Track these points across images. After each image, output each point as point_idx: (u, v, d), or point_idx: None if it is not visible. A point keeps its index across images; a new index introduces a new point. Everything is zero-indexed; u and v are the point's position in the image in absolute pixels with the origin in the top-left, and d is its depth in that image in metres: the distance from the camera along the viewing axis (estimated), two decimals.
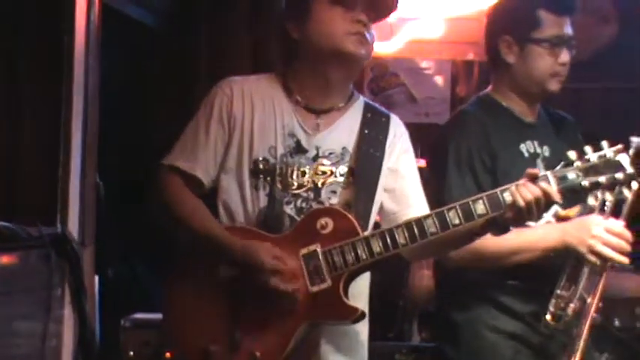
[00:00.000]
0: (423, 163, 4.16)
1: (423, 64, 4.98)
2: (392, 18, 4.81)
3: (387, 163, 2.17)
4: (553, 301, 2.30)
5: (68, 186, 2.74)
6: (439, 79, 4.97)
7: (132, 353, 3.07)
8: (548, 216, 2.35)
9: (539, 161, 2.44)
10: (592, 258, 2.29)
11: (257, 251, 1.99)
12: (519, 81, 2.44)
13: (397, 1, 2.18)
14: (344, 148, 2.14)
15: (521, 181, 1.98)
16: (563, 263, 2.39)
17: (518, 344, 2.42)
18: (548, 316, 2.31)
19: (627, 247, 2.28)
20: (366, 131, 2.15)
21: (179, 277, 2.14)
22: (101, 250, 2.90)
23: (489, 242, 2.25)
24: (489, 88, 2.52)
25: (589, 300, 2.30)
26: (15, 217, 2.55)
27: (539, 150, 2.45)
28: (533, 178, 1.96)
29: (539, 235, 2.33)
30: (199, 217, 2.10)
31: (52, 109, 2.79)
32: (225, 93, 2.16)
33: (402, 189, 2.19)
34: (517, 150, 2.42)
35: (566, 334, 2.37)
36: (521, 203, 1.94)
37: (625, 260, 2.30)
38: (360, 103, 2.21)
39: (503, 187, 1.98)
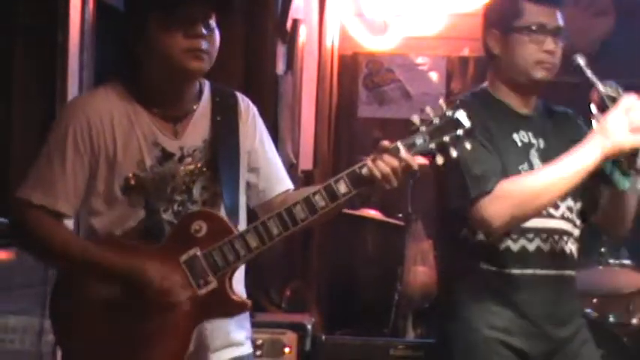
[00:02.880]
0: (419, 159, 4.22)
1: (418, 60, 5.03)
2: (387, 14, 4.97)
3: (245, 147, 2.21)
4: None
5: None
6: (434, 75, 5.01)
7: None
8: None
9: (533, 151, 2.47)
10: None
11: (144, 272, 2.03)
12: (506, 71, 2.48)
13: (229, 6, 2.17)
14: (205, 141, 2.16)
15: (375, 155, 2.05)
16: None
17: (510, 338, 2.42)
18: None
19: None
20: (218, 118, 2.18)
21: (67, 308, 2.12)
22: None
23: (524, 184, 2.30)
24: (485, 83, 2.57)
25: None
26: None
27: (533, 141, 2.48)
28: (384, 150, 2.04)
29: (577, 155, 2.30)
30: (75, 248, 2.10)
31: (46, 106, 2.81)
32: (80, 119, 2.10)
33: (267, 167, 2.25)
34: (510, 139, 2.45)
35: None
36: (379, 176, 2.01)
37: None
38: (207, 89, 2.22)
39: (360, 164, 2.06)
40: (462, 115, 2.05)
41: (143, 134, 2.11)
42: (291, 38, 4.32)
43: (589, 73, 2.36)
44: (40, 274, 2.63)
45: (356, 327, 4.14)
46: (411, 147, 2.03)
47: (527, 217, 2.35)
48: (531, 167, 2.44)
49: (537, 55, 2.43)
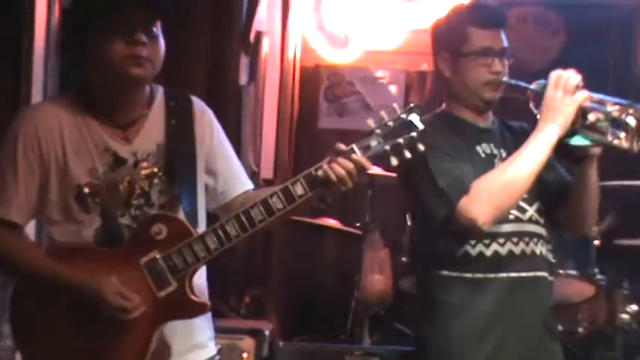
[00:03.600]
0: (377, 169, 4.24)
1: (378, 74, 5.07)
2: (348, 28, 5.01)
3: (202, 149, 2.21)
4: None
5: None
6: (393, 88, 5.06)
7: None
8: None
9: (496, 161, 2.51)
10: (578, 97, 2.34)
11: (103, 293, 2.02)
12: (458, 92, 2.53)
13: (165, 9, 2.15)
14: (158, 145, 2.16)
15: (331, 158, 2.06)
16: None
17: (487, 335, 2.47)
18: None
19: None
20: (173, 122, 2.18)
21: (27, 313, 2.12)
22: None
23: (495, 178, 2.35)
24: (443, 105, 2.61)
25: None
26: None
27: (495, 151, 2.53)
28: (340, 153, 2.05)
29: (537, 138, 2.38)
30: (29, 257, 2.11)
31: (11, 109, 2.71)
32: (28, 129, 2.10)
33: (225, 169, 2.25)
34: (474, 151, 2.51)
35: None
36: (334, 178, 2.03)
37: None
38: (160, 94, 2.21)
39: (316, 166, 2.07)
40: (415, 118, 2.06)
41: (93, 142, 2.10)
42: (254, 50, 4.34)
43: (514, 82, 2.46)
44: None
45: (313, 333, 4.16)
46: (365, 149, 2.04)
47: (508, 206, 2.39)
48: None
49: (486, 77, 2.46)
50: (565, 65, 2.58)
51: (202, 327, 2.22)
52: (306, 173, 2.06)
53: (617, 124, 2.35)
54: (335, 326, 4.10)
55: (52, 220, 2.12)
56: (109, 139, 2.12)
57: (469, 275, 2.45)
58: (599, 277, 4.02)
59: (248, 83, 4.31)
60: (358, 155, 2.05)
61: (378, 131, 2.05)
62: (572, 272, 3.97)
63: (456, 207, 2.36)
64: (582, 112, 2.37)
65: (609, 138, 2.36)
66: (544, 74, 2.57)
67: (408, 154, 2.06)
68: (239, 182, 2.27)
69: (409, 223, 4.03)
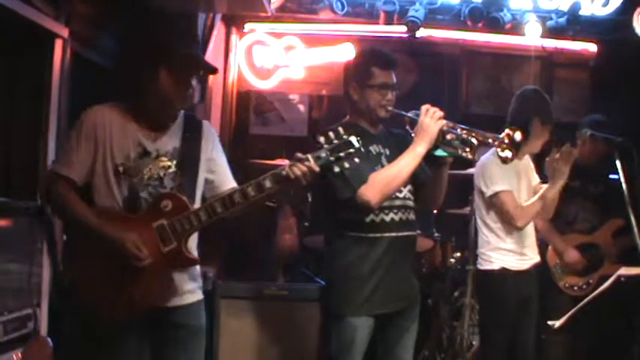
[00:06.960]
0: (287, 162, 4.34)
1: (291, 97, 5.16)
2: (270, 65, 5.13)
3: (205, 155, 2.27)
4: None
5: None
6: (301, 107, 5.15)
7: None
8: None
9: (382, 157, 2.64)
10: (440, 123, 2.41)
11: (124, 243, 2.08)
12: (362, 111, 2.63)
13: (216, 69, 2.29)
14: (174, 148, 2.22)
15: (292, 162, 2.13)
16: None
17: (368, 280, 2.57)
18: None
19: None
20: (187, 134, 2.24)
21: (78, 251, 2.18)
22: None
23: (385, 174, 2.44)
24: (347, 117, 2.74)
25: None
26: (10, 194, 2.72)
27: (382, 150, 2.65)
28: (298, 159, 2.12)
29: (413, 149, 2.46)
30: (80, 212, 2.15)
31: (36, 124, 2.92)
32: (91, 119, 2.17)
33: (219, 171, 2.32)
34: (368, 150, 2.59)
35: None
36: (293, 176, 2.11)
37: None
38: (181, 115, 2.28)
39: (280, 167, 2.13)
40: (353, 139, 2.14)
41: (131, 137, 2.19)
42: (204, 79, 4.36)
43: (396, 110, 2.58)
44: (29, 236, 2.77)
45: (245, 275, 4.15)
46: (317, 159, 2.11)
47: (391, 193, 2.47)
48: (382, 167, 2.57)
49: (381, 103, 2.58)
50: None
51: (194, 279, 2.28)
52: (273, 172, 2.09)
53: (465, 142, 2.46)
54: (259, 270, 4.09)
55: (95, 185, 2.18)
56: (141, 137, 2.20)
57: (369, 235, 2.54)
58: (436, 234, 4.08)
59: (199, 102, 4.32)
60: (311, 162, 2.10)
61: (326, 146, 2.11)
62: (419, 232, 4.08)
63: (357, 192, 2.45)
64: (442, 134, 2.47)
65: (459, 152, 2.50)
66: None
67: (346, 165, 2.12)
68: (229, 181, 2.34)
69: (310, 199, 4.13)
